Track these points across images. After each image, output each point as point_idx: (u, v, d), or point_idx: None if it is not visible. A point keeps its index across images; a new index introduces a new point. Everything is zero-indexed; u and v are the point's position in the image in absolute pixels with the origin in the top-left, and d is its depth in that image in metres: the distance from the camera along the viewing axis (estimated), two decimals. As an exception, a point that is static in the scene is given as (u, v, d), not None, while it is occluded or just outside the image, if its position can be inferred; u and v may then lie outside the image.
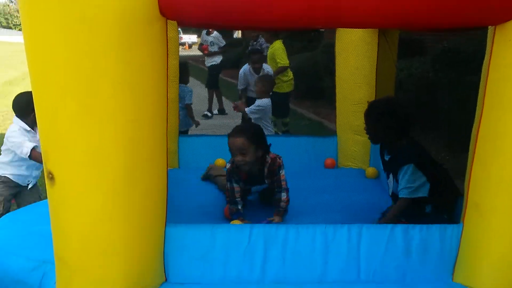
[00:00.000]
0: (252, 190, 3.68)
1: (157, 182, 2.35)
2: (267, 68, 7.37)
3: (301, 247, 2.53)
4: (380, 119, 3.17)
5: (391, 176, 3.23)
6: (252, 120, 5.52)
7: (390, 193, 3.31)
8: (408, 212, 3.07)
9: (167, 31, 2.26)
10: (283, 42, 7.60)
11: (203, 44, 10.58)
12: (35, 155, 3.83)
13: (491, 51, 2.31)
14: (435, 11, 2.20)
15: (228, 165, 3.53)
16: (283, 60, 7.43)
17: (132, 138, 2.16)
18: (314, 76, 10.43)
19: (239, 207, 3.44)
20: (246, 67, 7.37)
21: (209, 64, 10.44)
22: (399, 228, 2.57)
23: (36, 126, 3.95)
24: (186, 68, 6.33)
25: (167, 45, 2.27)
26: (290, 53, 7.21)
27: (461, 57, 6.37)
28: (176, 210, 2.69)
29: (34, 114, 3.89)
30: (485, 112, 2.35)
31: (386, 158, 3.29)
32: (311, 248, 2.53)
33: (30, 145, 3.84)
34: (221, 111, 10.45)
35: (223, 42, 10.53)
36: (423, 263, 2.55)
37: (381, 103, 3.36)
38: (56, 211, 2.26)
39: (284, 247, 2.53)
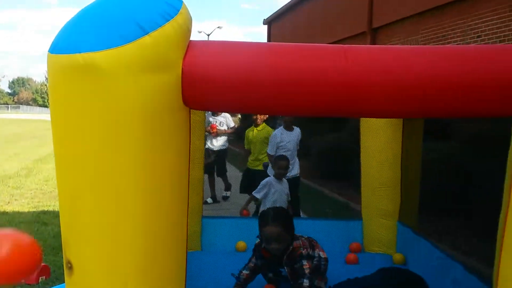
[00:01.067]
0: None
1: (176, 267, 2.30)
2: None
3: None
4: None
5: None
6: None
7: None
8: None
9: (190, 118, 2.30)
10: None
11: (210, 124, 8.95)
12: None
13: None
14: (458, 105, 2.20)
15: (258, 241, 3.58)
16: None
17: (152, 225, 2.13)
18: (339, 157, 10.40)
19: (239, 277, 3.52)
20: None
21: (217, 149, 9.04)
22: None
23: None
24: None
25: (190, 131, 2.31)
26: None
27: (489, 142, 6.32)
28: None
29: None
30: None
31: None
32: None
33: None
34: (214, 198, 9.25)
35: (232, 123, 9.39)
36: None
37: None
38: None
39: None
